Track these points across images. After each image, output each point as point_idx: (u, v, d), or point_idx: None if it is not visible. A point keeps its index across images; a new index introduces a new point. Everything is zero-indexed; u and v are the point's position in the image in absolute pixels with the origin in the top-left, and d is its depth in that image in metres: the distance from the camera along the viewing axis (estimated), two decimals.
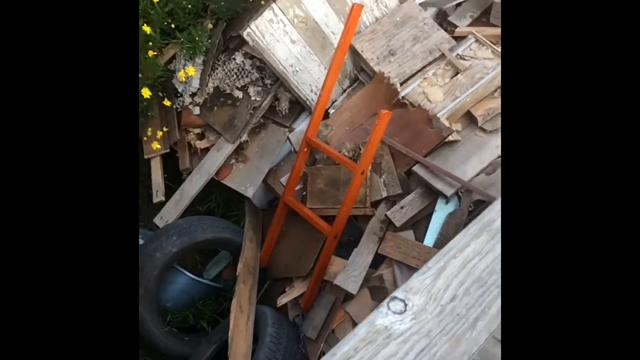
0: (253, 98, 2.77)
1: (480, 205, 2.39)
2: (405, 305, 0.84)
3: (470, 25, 2.95)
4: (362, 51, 2.70)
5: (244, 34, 2.51)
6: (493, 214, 1.05)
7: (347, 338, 0.84)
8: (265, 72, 2.77)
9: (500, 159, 2.49)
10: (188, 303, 2.83)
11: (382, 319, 0.83)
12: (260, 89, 2.79)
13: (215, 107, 2.81)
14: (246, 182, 2.77)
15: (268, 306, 2.60)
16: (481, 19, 3.01)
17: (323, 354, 2.45)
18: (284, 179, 2.70)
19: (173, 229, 2.59)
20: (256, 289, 2.61)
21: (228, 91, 2.80)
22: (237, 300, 2.47)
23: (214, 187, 2.99)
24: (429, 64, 2.67)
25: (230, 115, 2.79)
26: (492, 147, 2.51)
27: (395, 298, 0.85)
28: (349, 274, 2.37)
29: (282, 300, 2.59)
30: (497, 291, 0.88)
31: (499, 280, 0.89)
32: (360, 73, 2.81)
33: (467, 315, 0.84)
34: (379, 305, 0.86)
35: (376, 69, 2.66)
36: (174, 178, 2.95)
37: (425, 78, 2.61)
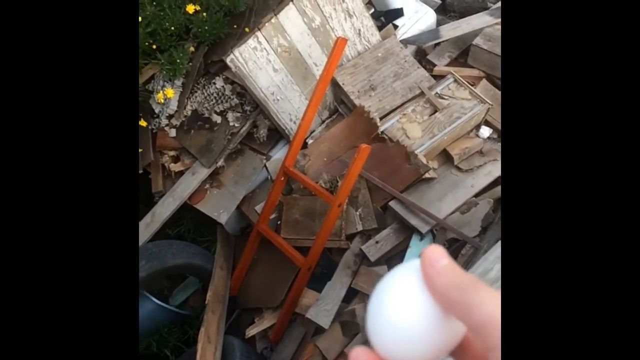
0: (231, 123, 2.74)
1: (454, 244, 2.42)
2: None
3: (448, 64, 3.02)
4: (343, 84, 2.72)
5: (227, 60, 2.50)
6: (487, 264, 1.05)
7: None
8: (246, 98, 2.76)
9: (474, 197, 2.53)
10: (152, 330, 2.75)
11: None
12: (239, 114, 2.76)
13: (192, 131, 2.77)
14: (220, 207, 2.73)
15: (236, 336, 2.55)
16: (459, 60, 3.08)
17: None
18: (258, 207, 2.67)
19: (142, 253, 2.52)
20: (225, 318, 2.56)
21: (206, 115, 2.77)
22: (205, 330, 2.41)
23: (186, 211, 2.93)
24: (409, 100, 2.71)
25: (207, 139, 2.75)
26: (467, 186, 2.55)
27: None
28: (322, 307, 2.34)
29: (251, 331, 2.54)
30: None
31: None
32: (340, 105, 2.83)
33: None
34: None
35: (356, 102, 2.68)
36: (146, 200, 2.88)
37: (404, 114, 2.64)
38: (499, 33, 2.97)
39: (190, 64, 2.74)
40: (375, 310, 0.44)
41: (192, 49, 2.74)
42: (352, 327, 2.32)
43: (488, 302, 0.38)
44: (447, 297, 0.40)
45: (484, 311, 0.37)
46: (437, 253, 0.43)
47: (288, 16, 2.57)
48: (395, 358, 0.43)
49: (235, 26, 2.67)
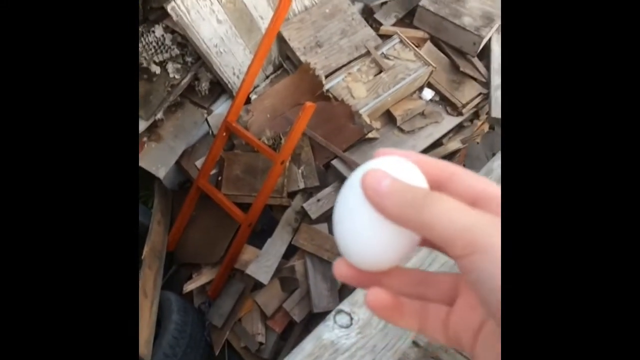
0: (172, 75, 2.64)
1: None
2: (351, 318, 0.84)
3: (394, 24, 3.01)
4: (289, 39, 2.66)
5: (168, 8, 2.38)
6: None
7: (293, 353, 0.83)
8: (187, 49, 2.65)
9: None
10: None
11: (328, 333, 0.83)
12: (180, 66, 2.66)
13: None
14: (158, 162, 2.65)
15: (173, 292, 2.53)
16: (405, 20, 3.08)
17: (228, 342, 2.42)
18: (199, 162, 2.61)
19: None
20: (162, 274, 2.52)
21: (144, 65, 2.64)
22: (142, 285, 2.37)
23: None
24: (355, 59, 2.70)
25: (145, 90, 2.64)
26: (408, 147, 2.59)
27: (341, 311, 0.85)
28: (262, 263, 2.35)
29: (189, 286, 2.52)
30: None
31: None
32: (286, 61, 2.78)
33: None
34: (325, 319, 0.85)
35: (302, 58, 2.64)
36: None
37: (349, 73, 2.63)
38: None
39: None
40: (334, 218, 0.43)
41: None
42: (291, 282, 2.35)
43: (447, 213, 0.36)
44: (401, 218, 0.38)
45: (445, 225, 0.36)
46: (377, 175, 0.39)
47: None
48: (361, 266, 0.43)
49: None
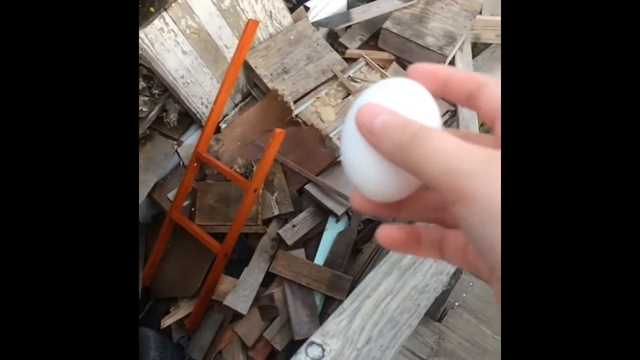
0: (139, 108, 2.62)
1: (369, 225, 2.47)
2: (323, 350, 0.83)
3: (359, 47, 3.05)
4: (255, 67, 2.68)
5: None
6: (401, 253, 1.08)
7: None
8: (154, 81, 2.64)
9: None
10: None
11: None
12: (147, 98, 2.65)
13: None
14: None
15: (150, 328, 2.47)
16: (370, 43, 3.13)
17: None
18: (171, 194, 2.59)
19: None
20: (138, 309, 2.47)
21: None
22: None
23: None
24: (322, 84, 2.72)
25: None
26: None
27: (312, 343, 0.84)
28: (239, 293, 2.32)
29: (167, 321, 2.47)
30: (408, 331, 0.91)
31: (410, 320, 0.92)
32: (254, 89, 2.79)
33: (382, 358, 0.85)
34: (297, 352, 0.84)
35: (270, 85, 2.65)
36: None
37: (318, 97, 2.65)
38: (407, 17, 3.04)
39: None
40: (341, 149, 0.40)
41: None
42: (270, 311, 2.32)
43: (431, 155, 0.33)
44: (393, 159, 0.35)
45: (430, 168, 0.33)
46: (370, 111, 0.36)
47: None
48: (371, 198, 0.40)
49: (139, 5, 2.54)
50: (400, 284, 0.95)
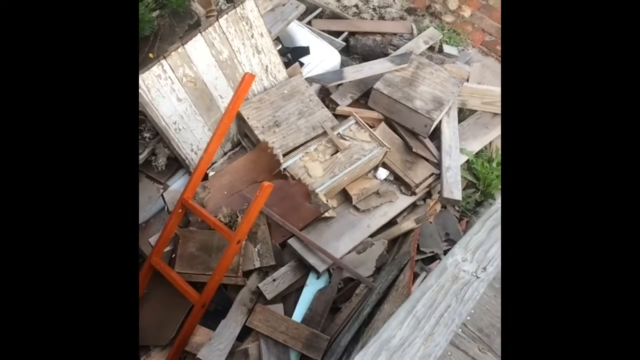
0: None
1: (349, 283, 2.47)
2: None
3: (350, 105, 3.12)
4: (248, 118, 2.71)
5: None
6: (390, 331, 1.09)
7: None
8: (145, 124, 2.66)
9: (370, 237, 2.62)
10: None
11: None
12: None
13: None
14: None
15: None
16: (360, 101, 3.20)
17: None
18: (152, 239, 2.57)
19: None
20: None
21: None
22: None
23: None
24: (312, 139, 2.76)
25: None
26: (363, 227, 2.63)
27: None
28: (214, 347, 2.28)
29: None
30: None
31: None
32: (244, 139, 2.82)
33: None
34: None
35: (260, 137, 2.68)
36: None
37: (307, 153, 2.69)
38: (398, 79, 3.13)
39: None
40: None
41: None
42: None
43: None
44: None
45: None
46: None
47: (195, 47, 2.53)
48: None
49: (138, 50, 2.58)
50: None
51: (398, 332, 1.06)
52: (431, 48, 3.69)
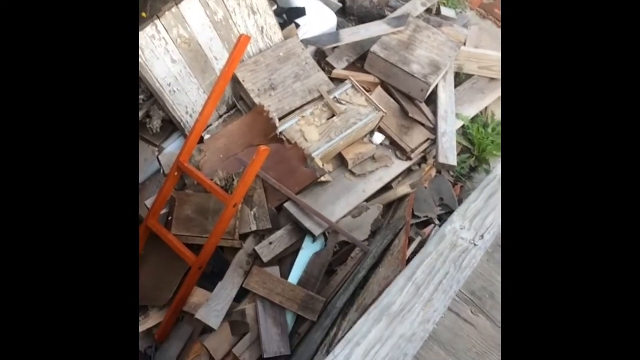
0: None
1: (344, 247, 2.50)
2: None
3: (346, 68, 3.09)
4: (243, 80, 2.68)
5: None
6: (391, 297, 1.12)
7: None
8: (139, 86, 2.62)
9: (365, 202, 2.64)
10: None
11: None
12: None
13: None
14: None
15: None
16: (356, 64, 3.17)
17: None
18: (148, 201, 2.57)
19: None
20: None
21: None
22: None
23: None
24: (308, 103, 2.75)
25: None
26: (359, 191, 2.64)
27: None
28: (212, 307, 2.33)
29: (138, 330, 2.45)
30: None
31: None
32: (239, 102, 2.79)
33: None
34: None
35: (256, 100, 2.66)
36: None
37: (303, 116, 2.67)
38: (394, 42, 3.09)
39: None
40: None
41: None
42: (241, 326, 2.32)
43: None
44: None
45: None
46: None
47: (190, 7, 2.48)
48: None
49: None
50: (389, 332, 0.98)
51: (398, 298, 1.08)
52: (428, 10, 3.64)
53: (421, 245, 2.43)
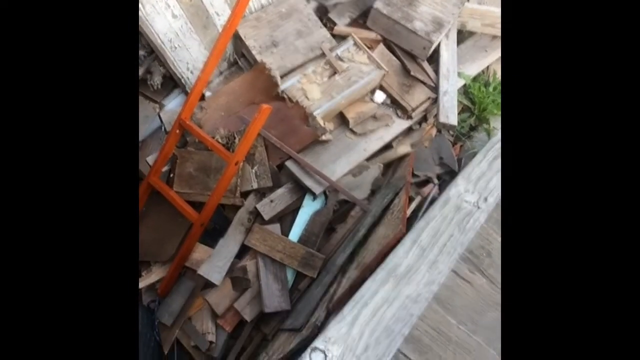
0: None
1: (344, 205, 2.53)
2: (325, 356, 0.89)
3: (348, 25, 3.04)
4: (245, 37, 2.65)
5: None
6: (397, 259, 1.14)
7: None
8: (140, 42, 2.59)
9: (366, 161, 2.65)
10: None
11: None
12: None
13: None
14: None
15: None
16: (358, 21, 3.12)
17: (178, 341, 2.43)
18: (150, 158, 2.58)
19: None
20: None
21: None
22: None
23: None
24: (310, 60, 2.72)
25: None
26: (360, 150, 2.65)
27: (316, 349, 0.90)
28: (214, 264, 2.37)
29: (139, 285, 2.50)
30: (400, 339, 0.98)
31: (403, 329, 0.99)
32: (241, 59, 2.76)
33: None
34: (301, 357, 0.90)
35: (258, 58, 2.63)
36: None
37: (305, 75, 2.65)
38: None
39: None
40: None
41: None
42: (242, 282, 2.38)
43: None
44: None
45: None
46: None
47: None
48: None
49: None
50: (395, 293, 1.01)
51: (404, 260, 1.11)
52: None
53: (421, 204, 2.46)
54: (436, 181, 2.65)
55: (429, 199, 2.46)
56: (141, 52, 2.59)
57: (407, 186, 2.41)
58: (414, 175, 2.63)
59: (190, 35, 2.57)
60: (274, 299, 2.30)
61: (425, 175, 2.68)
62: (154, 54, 2.57)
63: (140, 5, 2.35)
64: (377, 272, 1.10)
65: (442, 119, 2.82)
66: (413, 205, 2.44)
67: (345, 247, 2.33)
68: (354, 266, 2.17)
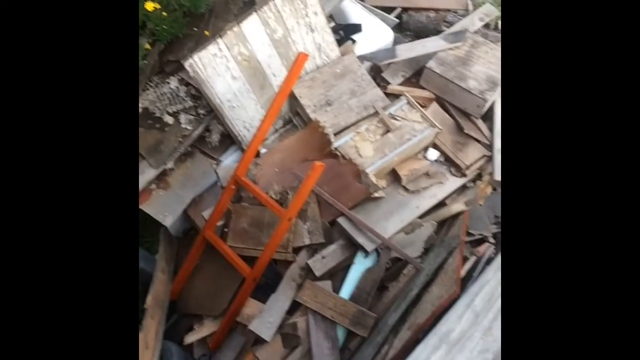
0: (184, 126, 2.70)
1: (397, 263, 2.50)
2: None
3: (401, 84, 3.09)
4: (300, 96, 2.73)
5: (186, 64, 2.45)
6: (450, 324, 1.12)
7: None
8: (200, 101, 2.72)
9: (418, 219, 2.63)
10: None
11: None
12: (192, 117, 2.72)
13: (142, 129, 2.70)
14: (165, 210, 2.69)
15: (173, 341, 2.53)
16: (411, 80, 3.17)
17: None
18: (206, 213, 2.65)
19: None
20: (164, 324, 2.53)
21: (158, 115, 2.71)
22: (144, 336, 2.37)
23: None
24: (363, 119, 2.76)
25: (157, 139, 2.69)
26: (412, 207, 2.64)
27: None
28: (265, 319, 2.37)
29: (191, 338, 2.52)
30: None
31: None
32: (295, 117, 2.84)
33: None
34: None
35: (312, 116, 2.70)
36: None
37: (358, 132, 2.70)
38: (451, 58, 3.07)
39: (145, 61, 2.67)
40: None
41: (147, 45, 2.67)
42: (292, 339, 2.36)
43: None
44: None
45: None
46: None
47: (251, 25, 2.55)
48: None
49: (195, 28, 2.62)
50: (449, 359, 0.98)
51: (457, 326, 1.08)
52: (487, 25, 3.60)
53: (475, 264, 2.39)
54: (492, 240, 2.59)
55: (484, 258, 2.40)
56: (201, 111, 2.72)
57: (461, 245, 2.37)
58: (468, 234, 2.58)
59: (247, 95, 2.68)
60: (324, 357, 2.27)
61: (480, 234, 2.62)
62: (213, 112, 2.69)
63: (201, 68, 2.48)
64: (429, 336, 1.07)
65: (497, 177, 2.78)
66: (468, 265, 2.38)
67: (397, 307, 2.29)
68: (406, 326, 2.13)
